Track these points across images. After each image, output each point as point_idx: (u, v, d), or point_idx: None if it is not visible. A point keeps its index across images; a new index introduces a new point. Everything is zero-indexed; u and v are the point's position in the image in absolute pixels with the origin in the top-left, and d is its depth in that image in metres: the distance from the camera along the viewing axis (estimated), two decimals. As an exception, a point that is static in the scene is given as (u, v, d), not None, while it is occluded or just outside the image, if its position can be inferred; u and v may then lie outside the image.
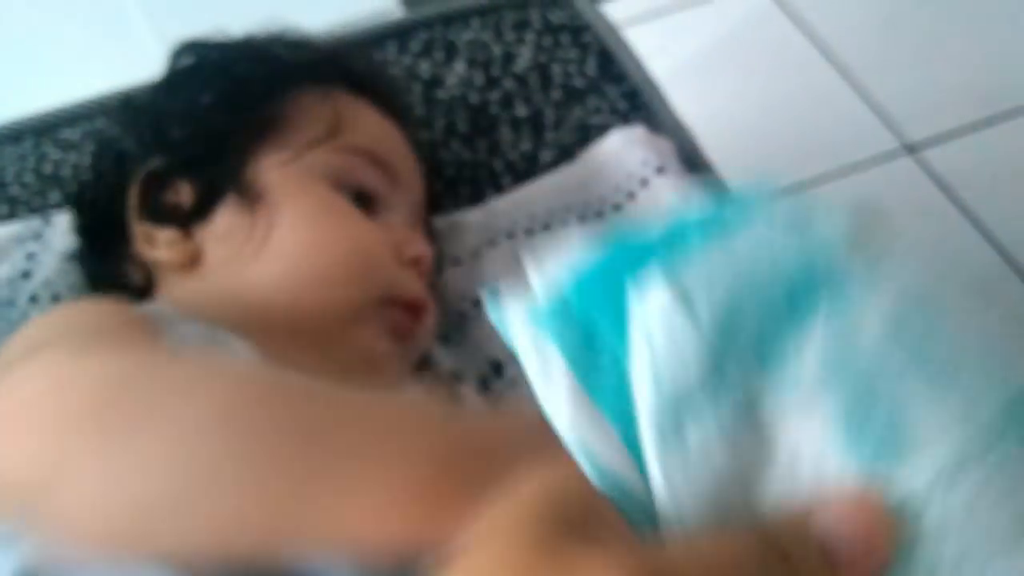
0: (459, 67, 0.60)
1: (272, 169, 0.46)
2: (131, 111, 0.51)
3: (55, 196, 0.56)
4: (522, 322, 0.20)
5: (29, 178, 0.57)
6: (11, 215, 0.56)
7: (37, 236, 0.53)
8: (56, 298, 0.51)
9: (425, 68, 0.60)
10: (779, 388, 0.19)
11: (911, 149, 1.05)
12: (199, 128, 0.47)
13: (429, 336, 0.48)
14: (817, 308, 0.19)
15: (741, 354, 0.18)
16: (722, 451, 0.18)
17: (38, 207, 0.56)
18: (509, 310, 0.20)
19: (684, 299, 0.18)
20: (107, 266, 0.49)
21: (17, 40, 0.90)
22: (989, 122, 1.06)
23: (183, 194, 0.47)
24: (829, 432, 0.19)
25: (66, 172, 0.57)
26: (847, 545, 0.18)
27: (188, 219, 0.46)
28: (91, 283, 0.50)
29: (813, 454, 0.19)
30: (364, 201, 0.47)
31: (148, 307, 0.44)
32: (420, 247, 0.48)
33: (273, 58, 0.51)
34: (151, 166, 0.47)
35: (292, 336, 0.43)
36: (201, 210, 0.46)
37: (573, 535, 0.17)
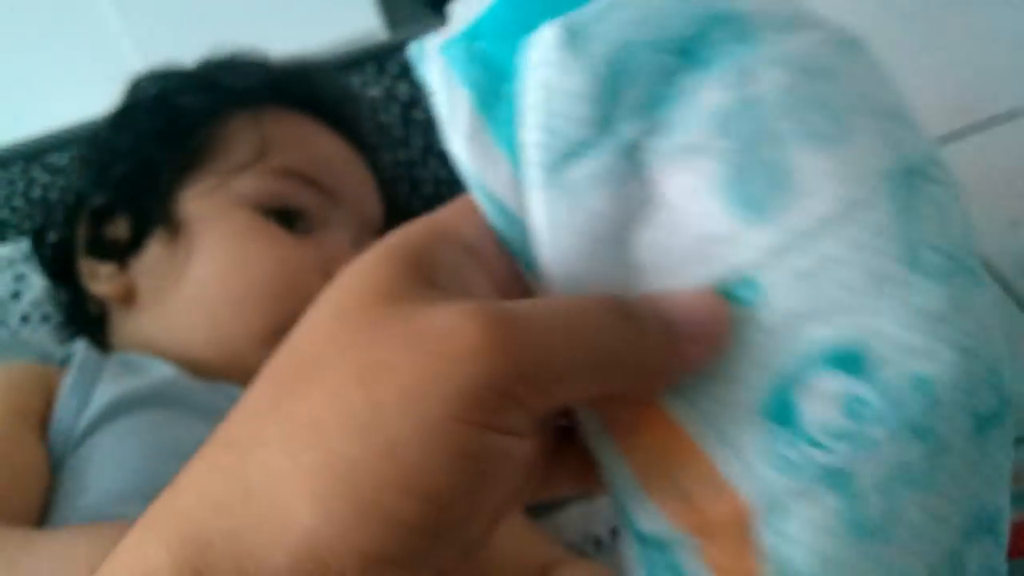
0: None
1: (195, 198, 0.46)
2: (84, 147, 0.53)
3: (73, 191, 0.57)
4: (435, 59, 0.19)
5: (18, 202, 0.59)
6: (1, 238, 0.57)
7: (27, 258, 0.54)
8: (46, 318, 0.52)
9: (403, 90, 0.62)
10: (666, 133, 0.18)
11: (889, 160, 1.07)
12: (133, 162, 0.48)
13: None
14: (713, 58, 0.19)
15: (632, 95, 0.18)
16: (603, 192, 0.18)
17: (27, 230, 0.57)
18: (428, 53, 0.20)
19: (579, 36, 0.18)
20: (69, 300, 0.50)
21: (4, 67, 0.92)
22: (963, 133, 1.08)
23: (121, 229, 0.48)
24: (712, 183, 0.18)
25: (54, 195, 0.59)
26: (688, 320, 0.18)
27: (124, 254, 0.47)
28: (63, 314, 0.51)
29: (693, 207, 0.19)
30: (292, 221, 0.47)
31: (74, 348, 0.45)
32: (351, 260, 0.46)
33: (208, 86, 0.51)
34: (95, 202, 0.49)
35: (220, 361, 0.43)
36: (134, 244, 0.47)
37: (420, 284, 0.17)
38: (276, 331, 0.43)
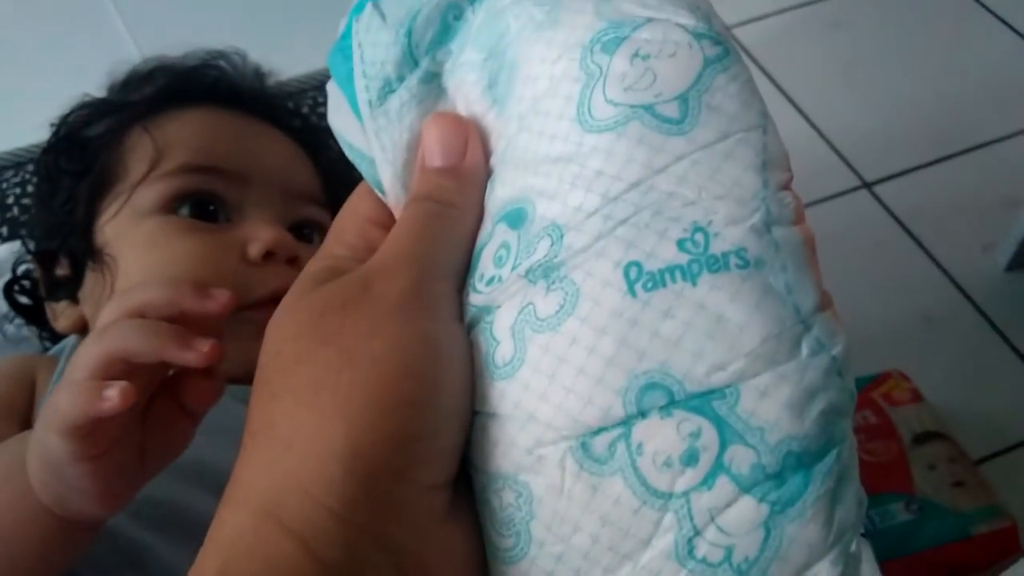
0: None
1: (108, 222, 0.47)
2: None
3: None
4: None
5: (29, 201, 0.61)
6: (11, 236, 0.59)
7: (28, 261, 0.56)
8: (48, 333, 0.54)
9: None
10: (452, 58, 0.23)
11: (868, 185, 1.10)
12: (59, 204, 0.49)
13: None
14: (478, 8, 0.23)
15: (428, 34, 0.23)
16: (414, 113, 0.23)
17: (27, 238, 0.59)
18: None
19: (376, 6, 0.23)
20: (48, 336, 0.52)
21: (17, 74, 0.94)
22: (938, 161, 1.12)
23: (64, 268, 0.49)
24: (480, 89, 0.23)
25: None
26: (447, 149, 0.23)
27: (71, 290, 0.48)
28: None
29: (474, 111, 0.23)
30: (208, 211, 0.47)
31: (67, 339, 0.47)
32: (265, 236, 0.46)
33: (111, 109, 0.51)
34: (40, 250, 0.50)
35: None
36: (76, 278, 0.48)
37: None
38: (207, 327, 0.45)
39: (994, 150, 1.12)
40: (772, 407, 0.18)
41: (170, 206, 0.47)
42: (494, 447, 0.20)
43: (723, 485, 0.18)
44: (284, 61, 0.62)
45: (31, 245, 0.53)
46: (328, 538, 0.19)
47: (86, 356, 0.28)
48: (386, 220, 0.25)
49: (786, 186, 0.20)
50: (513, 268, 0.20)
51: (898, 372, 0.87)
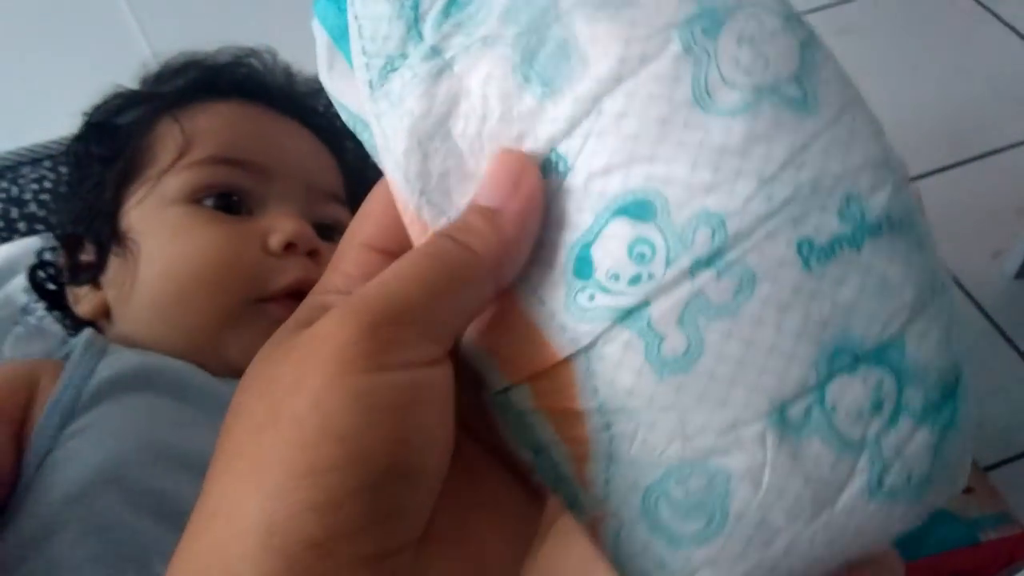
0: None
1: (134, 208, 0.48)
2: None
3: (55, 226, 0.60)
4: (313, 16, 0.23)
5: (46, 197, 0.61)
6: (29, 231, 0.60)
7: (53, 248, 0.57)
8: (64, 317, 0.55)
9: None
10: (465, 33, 0.21)
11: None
12: (87, 190, 0.50)
13: None
14: None
15: (432, 8, 0.21)
16: (416, 95, 0.21)
17: (54, 224, 0.60)
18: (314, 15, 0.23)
19: None
20: (71, 323, 0.53)
21: (32, 72, 0.95)
22: (950, 167, 1.12)
23: (89, 253, 0.50)
24: (506, 68, 0.20)
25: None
26: (494, 190, 0.20)
27: (95, 274, 0.49)
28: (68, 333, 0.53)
29: (493, 92, 0.20)
30: (232, 202, 0.48)
31: (81, 334, 0.47)
32: (286, 227, 0.46)
33: (142, 99, 0.53)
34: (65, 235, 0.52)
35: (188, 351, 0.45)
36: (100, 264, 0.49)
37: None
38: (227, 313, 0.45)
39: (1003, 157, 1.12)
40: (929, 347, 0.20)
41: (195, 196, 0.47)
42: (670, 442, 0.19)
43: (904, 423, 0.20)
44: (296, 61, 0.62)
45: (58, 231, 0.54)
46: None
47: None
48: (389, 245, 0.22)
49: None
50: (668, 264, 0.19)
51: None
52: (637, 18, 0.20)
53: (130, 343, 0.46)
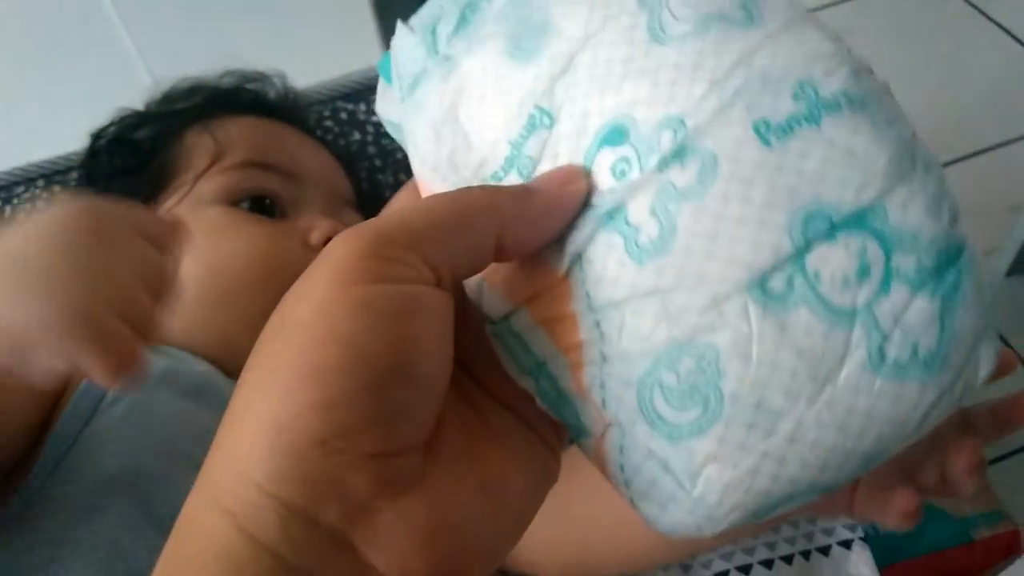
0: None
1: (168, 211, 0.49)
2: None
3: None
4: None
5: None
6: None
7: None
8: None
9: (377, 118, 0.67)
10: (469, 37, 0.25)
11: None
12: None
13: None
14: None
15: (445, 28, 0.25)
16: (431, 89, 0.25)
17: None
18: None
19: (409, 22, 0.26)
20: None
21: (26, 93, 0.96)
22: (944, 164, 1.12)
23: None
24: (497, 53, 0.24)
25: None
26: (541, 178, 0.22)
27: None
28: None
29: (489, 74, 0.24)
30: (265, 205, 0.50)
31: None
32: (324, 225, 0.49)
33: (159, 116, 0.54)
34: None
35: (233, 354, 0.45)
36: None
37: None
38: (264, 314, 0.45)
39: (994, 155, 1.12)
40: (915, 214, 0.20)
41: (232, 198, 0.49)
42: (656, 326, 0.20)
43: (898, 289, 0.20)
44: (291, 80, 0.63)
45: None
46: (259, 516, 0.18)
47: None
48: None
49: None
50: (641, 169, 0.21)
51: (900, 377, 0.87)
52: (592, 6, 0.23)
53: (159, 342, 0.47)
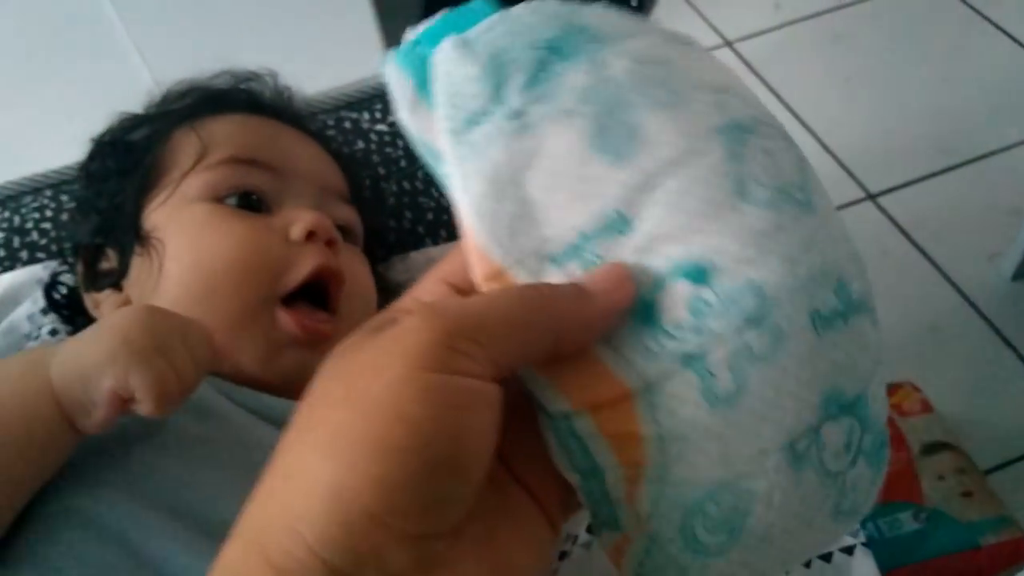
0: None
1: (155, 209, 0.50)
2: (74, 204, 0.58)
3: (71, 241, 0.62)
4: (391, 62, 0.27)
5: (47, 225, 0.63)
6: (31, 260, 0.61)
7: (63, 271, 0.58)
8: (74, 330, 0.56)
9: (381, 127, 0.68)
10: (546, 103, 0.25)
11: (872, 197, 1.11)
12: (106, 203, 0.53)
13: (360, 311, 0.50)
14: (575, 53, 0.25)
15: (516, 77, 0.25)
16: (498, 146, 0.25)
17: (55, 252, 0.61)
18: (388, 60, 0.27)
19: (467, 42, 0.25)
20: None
21: (31, 102, 0.97)
22: (942, 171, 1.13)
23: (112, 260, 0.52)
24: (582, 136, 0.24)
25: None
26: (595, 279, 0.23)
27: (118, 279, 0.51)
28: None
29: (570, 154, 0.24)
30: (251, 201, 0.50)
31: None
32: (307, 218, 0.49)
33: (153, 117, 0.56)
34: (85, 246, 0.53)
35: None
36: (123, 268, 0.51)
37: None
38: (248, 311, 0.46)
39: (997, 160, 1.12)
40: (878, 403, 0.25)
41: (216, 194, 0.50)
42: (713, 464, 0.23)
43: (860, 461, 0.25)
44: (293, 84, 0.64)
45: (71, 246, 0.56)
46: (305, 574, 0.19)
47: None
48: (463, 284, 0.25)
49: None
50: (723, 319, 0.23)
51: (909, 383, 0.87)
52: (688, 118, 0.25)
53: None
